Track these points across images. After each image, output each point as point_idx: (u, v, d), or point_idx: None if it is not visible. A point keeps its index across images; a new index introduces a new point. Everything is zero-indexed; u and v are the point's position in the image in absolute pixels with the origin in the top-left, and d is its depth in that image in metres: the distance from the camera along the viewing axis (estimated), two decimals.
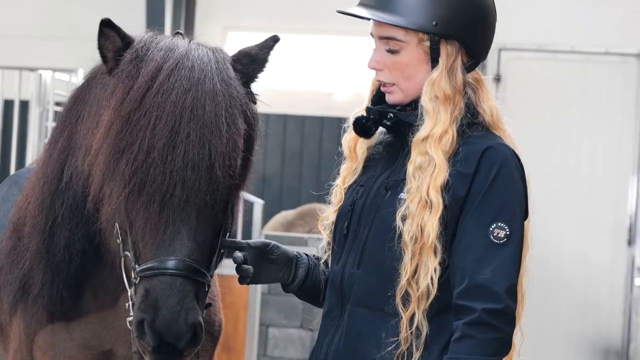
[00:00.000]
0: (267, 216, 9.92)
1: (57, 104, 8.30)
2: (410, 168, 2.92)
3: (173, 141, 2.87)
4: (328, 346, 3.00)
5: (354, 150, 3.15)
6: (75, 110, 3.30)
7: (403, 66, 2.98)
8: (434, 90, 2.94)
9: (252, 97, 3.10)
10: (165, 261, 2.84)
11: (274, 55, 3.17)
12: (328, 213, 3.14)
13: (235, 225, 3.20)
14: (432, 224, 2.84)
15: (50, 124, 8.19)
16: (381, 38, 3.00)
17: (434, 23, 2.94)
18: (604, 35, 10.14)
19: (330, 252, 3.13)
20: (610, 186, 9.61)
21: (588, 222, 9.60)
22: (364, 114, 3.08)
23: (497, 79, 9.32)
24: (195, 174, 2.86)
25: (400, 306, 2.87)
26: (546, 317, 9.12)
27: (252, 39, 3.34)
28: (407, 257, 2.86)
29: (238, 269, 3.05)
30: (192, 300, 2.85)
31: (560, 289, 9.28)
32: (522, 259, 2.93)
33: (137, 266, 2.90)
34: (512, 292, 2.84)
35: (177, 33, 3.18)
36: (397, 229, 2.88)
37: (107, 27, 3.01)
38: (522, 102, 9.30)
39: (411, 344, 2.86)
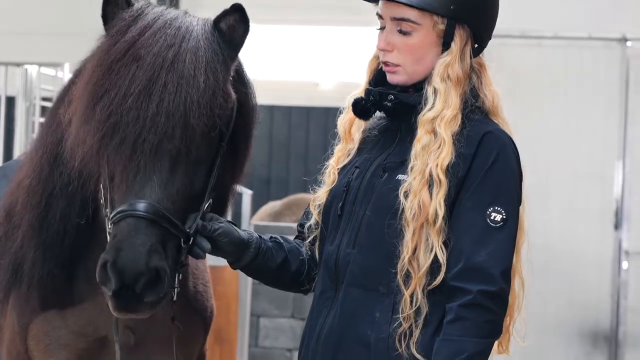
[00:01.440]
0: (255, 207, 9.93)
1: (44, 99, 8.29)
2: (417, 146, 2.92)
3: (150, 89, 2.89)
4: (321, 326, 3.00)
5: (349, 131, 3.15)
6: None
7: (414, 48, 2.98)
8: (446, 71, 2.95)
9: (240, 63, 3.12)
10: (134, 204, 2.83)
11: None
12: (320, 193, 3.12)
13: (226, 214, 3.21)
14: (438, 203, 2.86)
15: (37, 119, 8.17)
16: (393, 19, 2.99)
17: (451, 7, 2.94)
18: (587, 20, 10.16)
19: (318, 232, 3.13)
20: (596, 170, 9.62)
21: (574, 207, 9.61)
22: (363, 95, 3.07)
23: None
24: (169, 122, 2.87)
25: (401, 284, 2.87)
26: (534, 301, 9.14)
27: None
28: (408, 235, 2.87)
29: (195, 245, 2.94)
30: (158, 245, 2.81)
31: (547, 274, 9.28)
32: (518, 245, 2.95)
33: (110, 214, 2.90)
34: (506, 275, 2.87)
35: None
36: (400, 205, 2.89)
37: None
38: (506, 88, 9.29)
39: (411, 323, 2.87)
